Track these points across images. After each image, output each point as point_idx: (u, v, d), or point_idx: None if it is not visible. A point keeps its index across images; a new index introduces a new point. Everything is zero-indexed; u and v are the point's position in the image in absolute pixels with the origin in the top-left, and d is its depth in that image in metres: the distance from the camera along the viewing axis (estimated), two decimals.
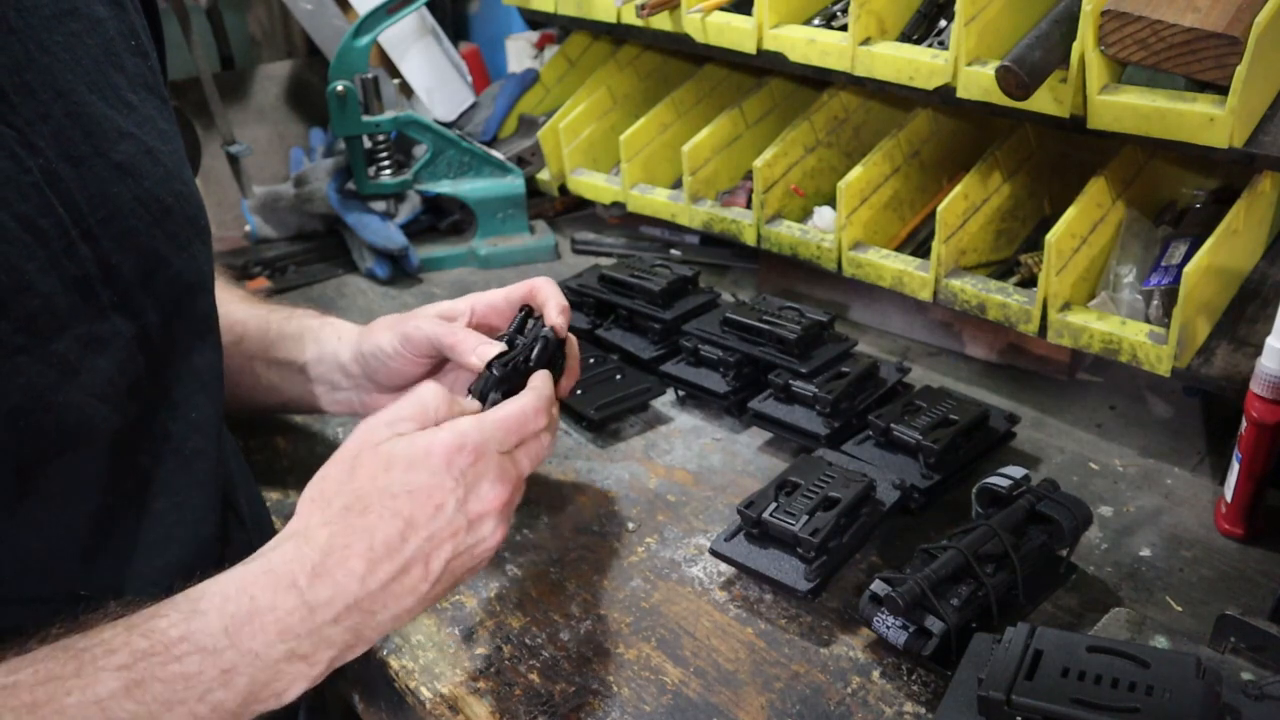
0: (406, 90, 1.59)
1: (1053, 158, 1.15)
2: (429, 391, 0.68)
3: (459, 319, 0.84)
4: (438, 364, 0.86)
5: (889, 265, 1.09)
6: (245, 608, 0.58)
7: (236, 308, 0.93)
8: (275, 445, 1.03)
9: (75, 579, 0.64)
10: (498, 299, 0.85)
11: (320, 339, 0.90)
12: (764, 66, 1.21)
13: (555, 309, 0.81)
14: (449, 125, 1.53)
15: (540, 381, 0.73)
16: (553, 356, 0.78)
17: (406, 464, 0.63)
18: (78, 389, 0.61)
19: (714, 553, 0.82)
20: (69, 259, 0.61)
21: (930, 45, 1.05)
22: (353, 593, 0.60)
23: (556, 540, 0.88)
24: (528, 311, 0.81)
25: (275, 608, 0.58)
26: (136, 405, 0.66)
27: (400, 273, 1.39)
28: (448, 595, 0.76)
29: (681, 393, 1.08)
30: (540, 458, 0.71)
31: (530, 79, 1.59)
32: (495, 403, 0.72)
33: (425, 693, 0.74)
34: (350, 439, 0.66)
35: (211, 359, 0.74)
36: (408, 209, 1.44)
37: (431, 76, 1.61)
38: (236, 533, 0.77)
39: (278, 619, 0.58)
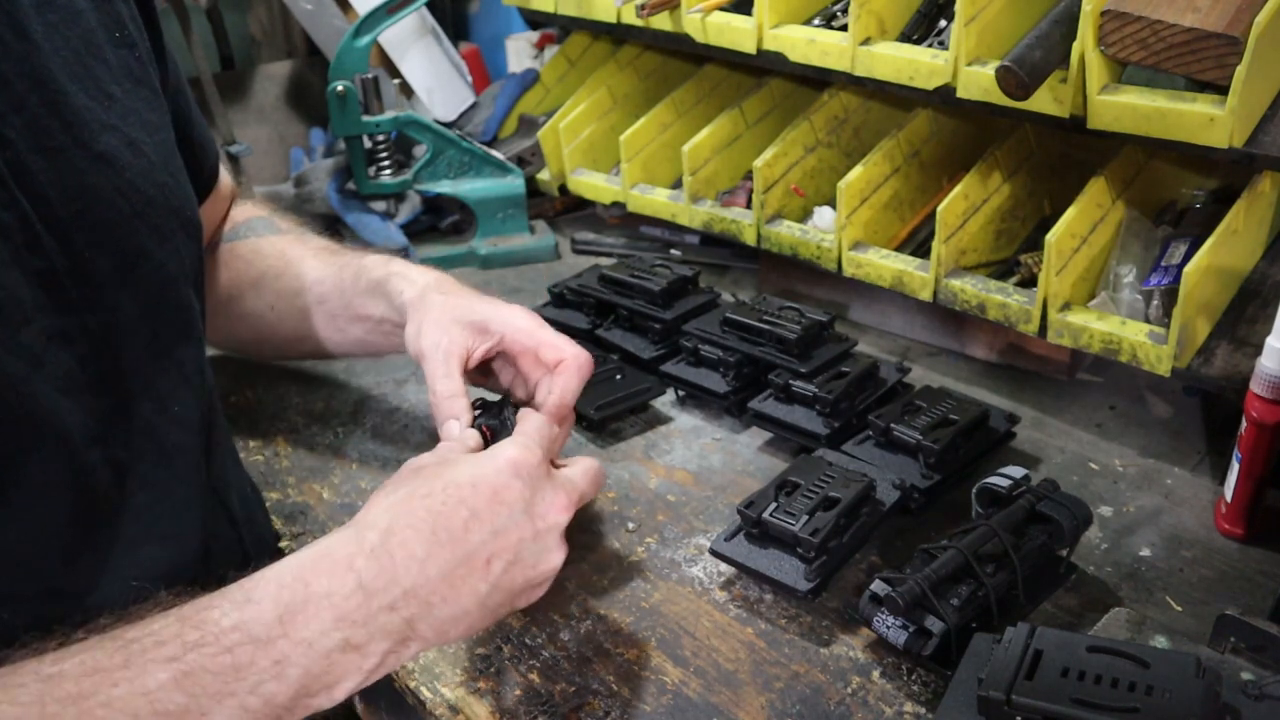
0: (406, 90, 1.59)
1: (1053, 158, 1.15)
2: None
3: (484, 339, 0.81)
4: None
5: (889, 265, 1.09)
6: (300, 595, 0.57)
7: (312, 266, 0.93)
8: (275, 445, 1.03)
9: (55, 574, 0.63)
10: (528, 342, 0.81)
11: (387, 292, 0.88)
12: (764, 66, 1.21)
13: (555, 402, 0.77)
14: (449, 125, 1.53)
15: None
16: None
17: (474, 464, 0.64)
18: (42, 381, 0.60)
19: (714, 553, 0.82)
20: (32, 253, 0.60)
21: (930, 45, 1.05)
22: (411, 577, 0.59)
23: None
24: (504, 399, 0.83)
25: (331, 593, 0.57)
26: (107, 399, 0.65)
27: None
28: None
29: (681, 393, 1.08)
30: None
31: (530, 79, 1.59)
32: None
33: (425, 693, 0.74)
34: (407, 463, 0.68)
35: (195, 353, 0.73)
36: (408, 209, 1.44)
37: (431, 76, 1.61)
38: (224, 529, 0.77)
39: (333, 604, 0.57)
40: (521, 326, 0.81)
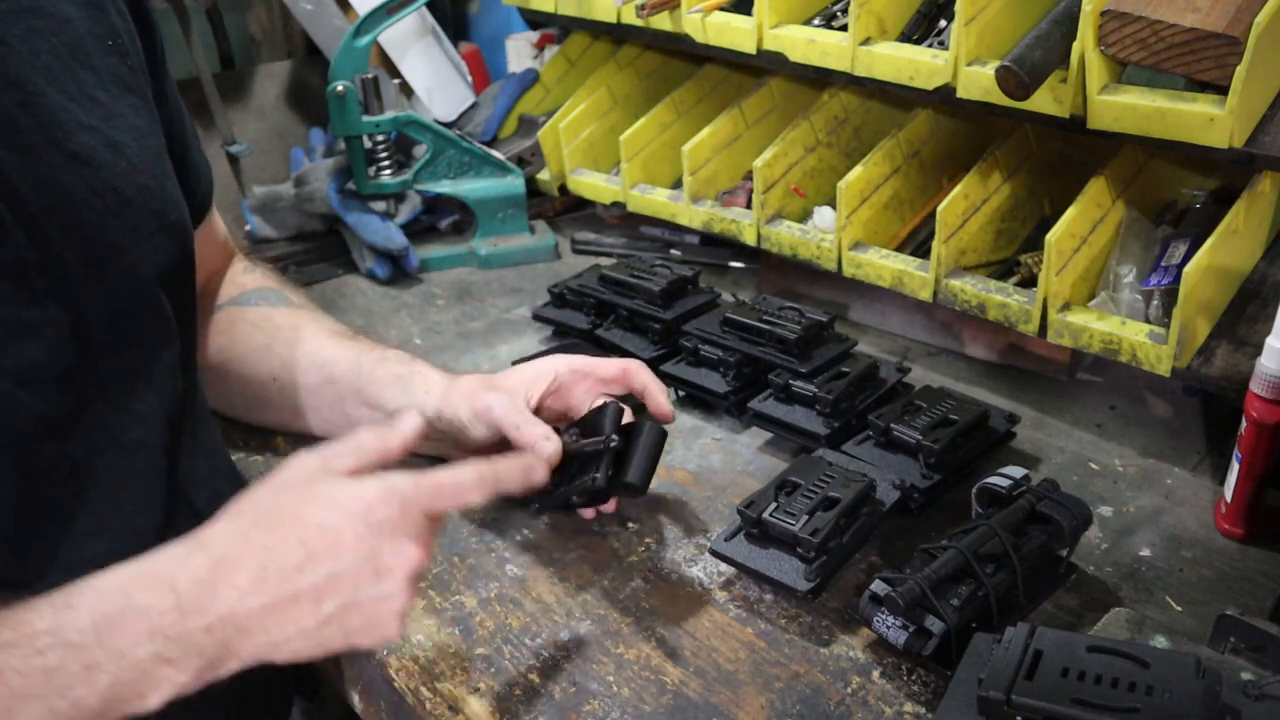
0: (406, 90, 1.59)
1: (1053, 158, 1.15)
2: (367, 437, 0.67)
3: (538, 384, 0.86)
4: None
5: (889, 265, 1.09)
6: (118, 605, 0.57)
7: (326, 344, 0.92)
8: (275, 445, 1.02)
9: (6, 563, 0.64)
10: (584, 367, 0.88)
11: (410, 388, 0.89)
12: (764, 66, 1.21)
13: (656, 402, 0.87)
14: (449, 125, 1.53)
15: (506, 462, 0.70)
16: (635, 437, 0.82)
17: (328, 502, 0.62)
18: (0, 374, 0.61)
19: (714, 553, 0.82)
20: (1, 245, 0.61)
21: (930, 45, 1.05)
22: (229, 606, 0.59)
23: (556, 540, 0.88)
24: (608, 409, 0.84)
25: (149, 608, 0.58)
26: (70, 393, 0.66)
27: (400, 273, 1.39)
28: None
29: (681, 393, 1.08)
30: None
31: (530, 79, 1.59)
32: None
33: (425, 693, 0.74)
34: (284, 468, 0.65)
35: (164, 354, 0.74)
36: (408, 209, 1.44)
37: (431, 76, 1.61)
38: (188, 525, 0.77)
39: (149, 619, 0.58)
40: (568, 361, 0.88)
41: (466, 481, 0.67)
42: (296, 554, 0.60)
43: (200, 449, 0.82)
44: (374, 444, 0.67)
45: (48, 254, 0.63)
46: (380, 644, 0.65)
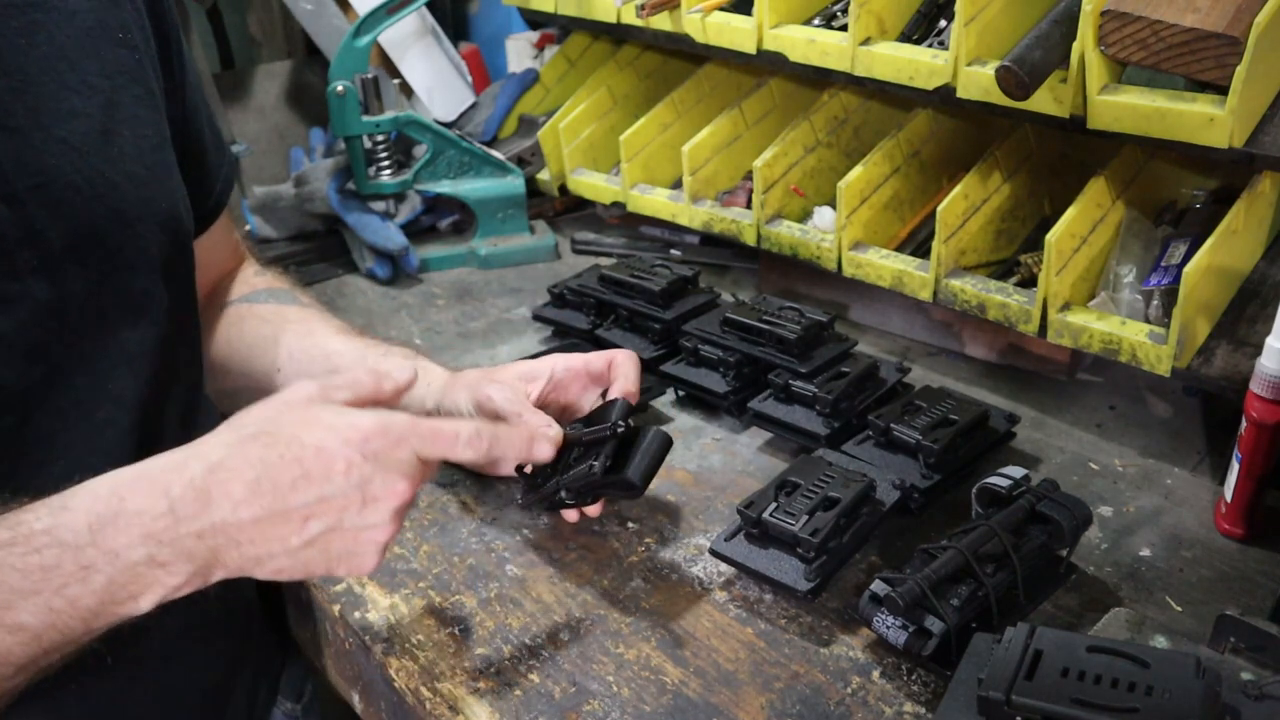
0: (406, 90, 1.59)
1: (1053, 158, 1.15)
2: (363, 374, 0.70)
3: (535, 383, 0.87)
4: None
5: (889, 265, 1.09)
6: (113, 508, 0.59)
7: (334, 339, 0.94)
8: None
9: None
10: (577, 364, 0.89)
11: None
12: (764, 66, 1.21)
13: (622, 386, 0.87)
14: (449, 125, 1.53)
15: (507, 428, 0.73)
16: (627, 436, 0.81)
17: (326, 427, 0.64)
18: None
19: (714, 553, 0.82)
20: None
21: (930, 45, 1.06)
22: (222, 514, 0.60)
23: (556, 540, 0.88)
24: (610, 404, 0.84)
25: (142, 511, 0.59)
26: (41, 367, 0.68)
27: (400, 273, 1.39)
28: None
29: (681, 393, 1.08)
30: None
31: (530, 79, 1.59)
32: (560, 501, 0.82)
33: (425, 693, 0.74)
34: (284, 391, 0.67)
35: (144, 336, 0.75)
36: (408, 209, 1.44)
37: (431, 76, 1.61)
38: None
39: (143, 522, 0.59)
40: (563, 359, 0.89)
41: (463, 433, 0.68)
42: (292, 471, 0.62)
43: (183, 434, 0.82)
44: (370, 382, 0.69)
45: (30, 231, 0.66)
46: (357, 574, 0.67)
